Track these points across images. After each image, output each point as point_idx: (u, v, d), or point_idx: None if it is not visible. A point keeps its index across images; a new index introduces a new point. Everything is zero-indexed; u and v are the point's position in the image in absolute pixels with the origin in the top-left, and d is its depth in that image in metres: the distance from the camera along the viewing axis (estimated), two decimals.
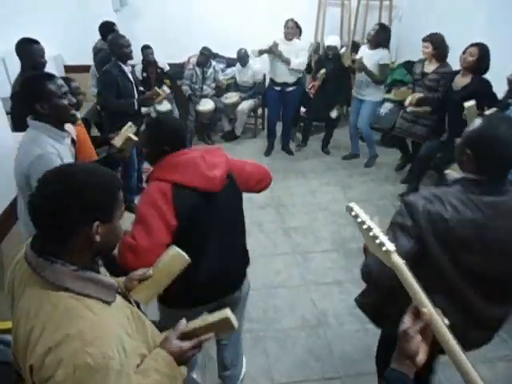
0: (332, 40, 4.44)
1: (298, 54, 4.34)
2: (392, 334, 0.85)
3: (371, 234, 0.84)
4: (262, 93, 5.22)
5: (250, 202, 3.89)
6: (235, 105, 5.09)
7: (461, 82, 3.15)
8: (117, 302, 1.01)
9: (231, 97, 5.12)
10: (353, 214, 0.90)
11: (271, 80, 4.59)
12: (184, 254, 1.26)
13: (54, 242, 0.91)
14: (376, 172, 4.50)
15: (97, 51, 4.16)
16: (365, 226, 0.86)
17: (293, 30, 4.27)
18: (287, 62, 4.30)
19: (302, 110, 5.16)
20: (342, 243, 3.34)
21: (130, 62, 3.55)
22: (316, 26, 5.68)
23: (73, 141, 1.96)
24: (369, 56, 4.06)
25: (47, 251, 0.90)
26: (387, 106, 4.84)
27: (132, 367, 0.95)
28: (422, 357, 0.79)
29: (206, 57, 4.85)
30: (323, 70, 4.43)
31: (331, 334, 2.52)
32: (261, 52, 4.34)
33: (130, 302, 1.15)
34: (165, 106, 4.75)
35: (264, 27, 4.97)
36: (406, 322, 0.80)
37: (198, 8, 5.32)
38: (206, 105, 4.95)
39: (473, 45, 3.02)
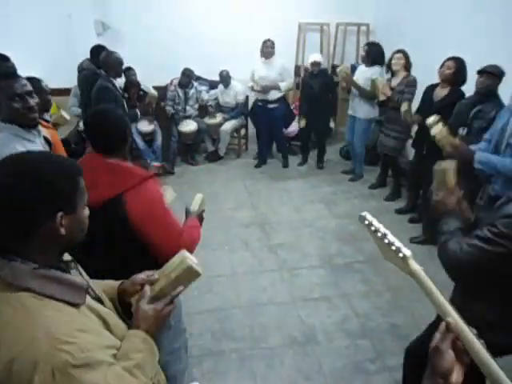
0: (316, 57, 4.58)
1: (283, 75, 4.55)
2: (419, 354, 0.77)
3: (386, 241, 0.81)
4: (244, 113, 5.28)
5: (234, 220, 3.86)
6: (218, 125, 5.10)
7: (440, 93, 3.30)
8: (89, 304, 0.92)
9: (214, 117, 5.13)
10: (366, 222, 0.87)
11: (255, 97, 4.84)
12: (198, 267, 1.12)
13: (13, 240, 0.81)
14: (360, 189, 4.52)
15: (81, 70, 4.16)
16: (379, 234, 0.83)
17: (272, 49, 4.49)
18: (277, 88, 4.54)
19: (290, 130, 5.22)
20: (328, 259, 3.29)
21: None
22: (296, 49, 5.83)
23: (47, 141, 1.87)
24: (363, 73, 4.22)
25: (7, 250, 0.81)
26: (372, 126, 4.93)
27: (111, 357, 0.87)
28: (457, 377, 0.71)
29: (187, 77, 4.90)
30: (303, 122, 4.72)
31: (320, 351, 2.43)
32: (253, 89, 4.67)
33: (105, 306, 1.06)
34: (147, 127, 4.73)
35: (246, 50, 5.09)
36: (437, 336, 0.74)
37: (180, 32, 5.39)
38: (189, 125, 4.95)
39: (450, 59, 3.20)
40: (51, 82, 5.00)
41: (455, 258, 1.33)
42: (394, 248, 0.79)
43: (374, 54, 4.18)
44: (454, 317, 0.71)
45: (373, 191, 4.44)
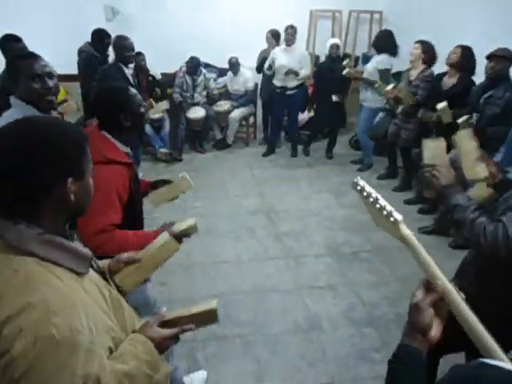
0: (335, 40, 4.55)
1: (302, 63, 4.50)
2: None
3: (378, 205, 0.79)
4: (254, 101, 5.22)
5: (241, 208, 3.83)
6: (227, 113, 5.06)
7: (448, 82, 3.22)
8: (91, 276, 0.91)
9: (223, 105, 5.09)
10: (358, 188, 0.84)
11: (273, 83, 4.74)
12: (175, 240, 1.20)
13: (21, 203, 0.79)
14: (368, 179, 4.42)
15: (80, 52, 4.15)
16: (371, 199, 0.80)
17: (293, 36, 4.42)
18: (296, 74, 4.48)
19: (302, 117, 5.16)
20: (335, 248, 3.25)
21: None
22: (307, 38, 5.74)
23: None
24: (373, 61, 4.13)
25: (13, 213, 0.78)
26: (379, 114, 4.84)
27: (104, 348, 0.83)
28: (435, 332, 0.74)
29: (192, 64, 4.85)
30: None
31: (325, 338, 2.40)
32: (269, 69, 4.59)
33: (109, 283, 1.04)
34: (156, 114, 4.70)
35: (255, 38, 5.03)
36: (417, 294, 0.76)
37: (189, 19, 5.35)
38: (197, 112, 4.92)
39: (457, 46, 3.12)
40: (61, 68, 5.03)
41: (499, 242, 1.28)
42: (385, 213, 0.77)
43: (382, 42, 4.08)
44: (442, 280, 0.73)
45: (381, 182, 4.37)
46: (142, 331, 0.98)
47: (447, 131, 2.77)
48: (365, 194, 0.82)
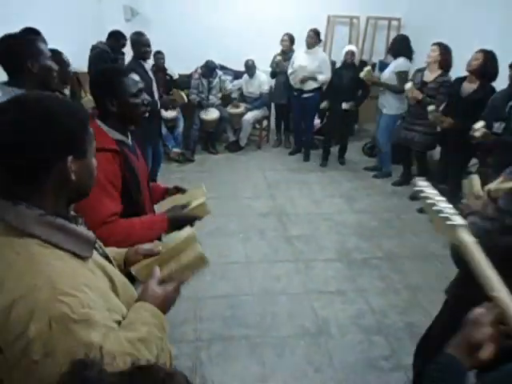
0: (352, 47, 4.54)
1: (322, 67, 4.52)
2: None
3: (436, 208, 0.76)
4: (268, 104, 5.22)
5: (251, 209, 3.81)
6: (240, 115, 5.06)
7: (468, 87, 3.15)
8: (96, 260, 0.88)
9: (237, 107, 5.10)
10: (417, 188, 0.81)
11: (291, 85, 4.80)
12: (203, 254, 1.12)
13: (20, 182, 0.76)
14: (382, 186, 4.40)
15: (93, 49, 4.21)
16: (430, 201, 0.77)
17: (313, 39, 4.47)
18: (314, 79, 4.50)
19: (316, 122, 5.16)
20: (345, 253, 3.20)
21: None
22: (324, 43, 5.72)
23: None
24: (390, 66, 4.11)
25: (13, 194, 0.76)
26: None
27: (114, 323, 0.82)
28: (486, 353, 0.66)
29: (208, 69, 4.88)
30: (324, 104, 4.59)
31: (332, 344, 2.35)
32: (302, 80, 4.59)
33: (115, 267, 1.02)
34: (170, 113, 4.74)
35: (272, 41, 5.03)
36: (479, 310, 0.69)
37: (207, 21, 5.38)
38: (211, 114, 4.93)
39: (478, 51, 3.04)
40: (79, 66, 5.11)
41: None
42: (443, 215, 0.74)
43: (398, 46, 4.05)
44: (501, 291, 0.67)
45: (396, 188, 4.31)
46: (143, 296, 0.97)
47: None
48: (424, 195, 0.79)
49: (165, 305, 0.97)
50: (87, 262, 0.84)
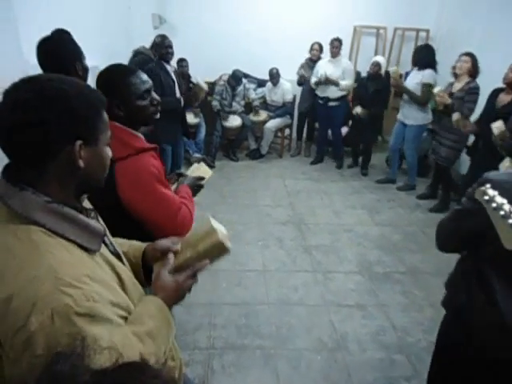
0: (379, 58, 4.49)
1: (345, 74, 4.50)
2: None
3: (510, 221, 0.69)
4: (291, 113, 5.19)
5: (270, 217, 3.75)
6: (263, 123, 5.04)
7: (504, 99, 3.03)
8: (105, 255, 0.84)
9: (259, 115, 5.08)
10: (485, 198, 0.74)
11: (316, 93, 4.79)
12: (228, 242, 1.03)
13: (28, 168, 0.73)
14: (405, 199, 4.26)
15: (136, 54, 4.24)
16: (501, 213, 0.71)
17: (337, 48, 4.46)
18: (336, 84, 4.47)
19: (344, 130, 5.11)
20: (367, 266, 3.08)
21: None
22: (350, 53, 5.67)
23: None
24: (414, 76, 4.01)
25: (20, 178, 0.73)
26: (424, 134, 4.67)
27: (120, 318, 0.77)
28: None
29: (235, 78, 4.89)
30: (359, 110, 4.48)
31: (351, 360, 2.24)
32: (317, 84, 4.58)
33: (126, 266, 0.98)
34: (193, 119, 4.76)
35: (297, 51, 5.02)
36: None
37: (232, 29, 5.43)
38: (233, 121, 4.93)
39: None
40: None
41: None
42: (510, 222, 0.66)
43: (426, 57, 3.95)
44: None
45: (420, 202, 4.16)
46: (153, 286, 0.93)
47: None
48: (494, 205, 0.71)
49: (176, 295, 0.92)
50: (95, 255, 0.79)
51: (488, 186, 0.76)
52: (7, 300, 0.65)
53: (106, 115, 0.80)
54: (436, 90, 3.60)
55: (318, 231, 3.55)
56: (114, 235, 1.03)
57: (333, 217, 3.83)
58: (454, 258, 1.54)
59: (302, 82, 4.92)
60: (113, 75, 1.35)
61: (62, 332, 0.65)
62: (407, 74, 5.37)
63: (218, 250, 1.00)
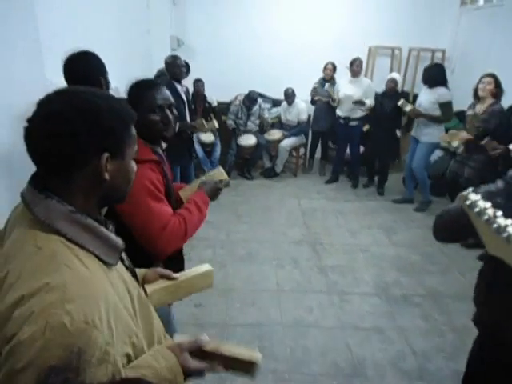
0: (394, 75, 4.51)
1: (367, 93, 4.53)
2: None
3: (495, 225, 0.66)
4: (305, 132, 5.20)
5: (285, 236, 3.71)
6: (277, 142, 5.06)
7: None
8: (120, 271, 0.83)
9: (274, 133, 5.11)
10: (468, 202, 0.72)
11: (337, 113, 4.84)
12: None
13: (55, 177, 0.73)
14: (422, 219, 4.16)
15: (159, 74, 4.33)
16: (485, 217, 0.68)
17: (358, 68, 4.51)
18: (362, 103, 4.51)
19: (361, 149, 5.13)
20: (384, 288, 2.99)
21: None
22: (365, 73, 5.69)
23: None
24: (427, 96, 3.98)
25: (47, 186, 0.74)
26: (437, 153, 4.60)
27: (121, 354, 0.72)
28: None
29: (250, 99, 4.96)
30: (367, 127, 4.49)
31: None
32: (355, 103, 4.58)
33: (139, 284, 0.96)
34: (208, 138, 4.81)
35: (311, 71, 5.07)
36: None
37: (248, 50, 5.54)
38: (248, 140, 4.96)
39: None
40: (126, 92, 5.35)
41: None
42: (505, 235, 0.62)
43: (433, 75, 3.93)
44: None
45: None
46: (171, 350, 0.87)
47: None
48: (477, 210, 0.68)
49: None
50: (111, 270, 0.78)
51: (470, 190, 0.73)
52: (15, 304, 0.64)
53: (134, 130, 0.81)
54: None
55: (333, 251, 3.49)
56: None
57: (348, 237, 3.76)
58: (475, 280, 1.47)
59: (316, 100, 4.96)
60: (135, 86, 1.42)
61: (48, 350, 0.61)
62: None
63: (248, 369, 0.94)
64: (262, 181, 5.15)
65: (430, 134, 4.02)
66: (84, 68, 1.77)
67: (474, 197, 0.72)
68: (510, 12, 4.33)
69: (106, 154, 0.74)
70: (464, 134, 3.55)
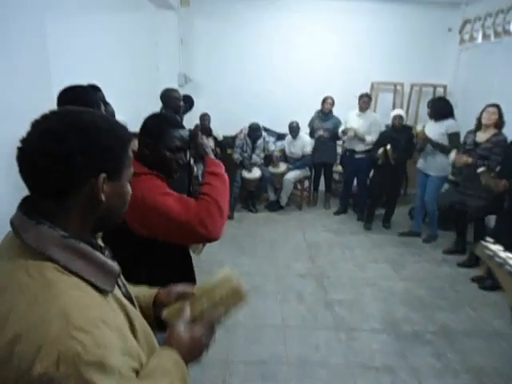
0: (399, 111, 4.55)
1: (372, 127, 4.63)
2: None
3: (508, 268, 0.65)
4: (309, 165, 5.23)
5: (290, 270, 3.64)
6: (282, 174, 5.08)
7: None
8: (117, 297, 0.79)
9: (279, 166, 5.14)
10: (487, 253, 0.69)
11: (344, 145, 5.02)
12: (244, 290, 0.99)
13: (48, 200, 0.70)
14: (430, 252, 4.08)
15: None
16: (508, 268, 0.66)
17: (366, 103, 4.64)
18: (362, 139, 4.62)
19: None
20: (393, 324, 2.88)
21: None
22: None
23: None
24: (434, 129, 4.00)
25: (38, 211, 0.70)
26: (444, 185, 4.58)
27: (130, 369, 0.70)
28: None
29: (252, 130, 5.04)
30: (381, 150, 4.44)
31: None
32: (343, 132, 4.74)
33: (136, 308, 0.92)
34: None
35: (314, 105, 5.17)
36: None
37: (253, 86, 5.70)
38: (253, 173, 4.99)
39: None
40: (135, 127, 5.49)
41: None
42: None
43: (441, 108, 3.99)
44: None
45: (446, 256, 3.97)
46: (168, 339, 0.87)
47: None
48: (498, 260, 0.66)
49: (193, 350, 0.86)
50: (107, 297, 0.75)
51: (489, 239, 0.70)
52: (13, 341, 0.60)
53: (131, 152, 0.80)
54: (451, 156, 3.78)
55: (339, 285, 3.40)
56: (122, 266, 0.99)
57: (355, 270, 3.68)
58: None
59: (314, 132, 5.05)
60: (161, 120, 1.43)
61: (70, 375, 0.59)
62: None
63: (235, 297, 0.96)
64: (267, 214, 5.12)
65: (439, 168, 4.03)
66: (83, 98, 1.80)
67: (494, 247, 0.69)
68: (508, 48, 4.44)
69: (103, 175, 0.72)
70: (467, 159, 3.52)
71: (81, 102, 1.76)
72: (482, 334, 2.78)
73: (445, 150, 3.92)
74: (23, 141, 0.69)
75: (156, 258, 1.37)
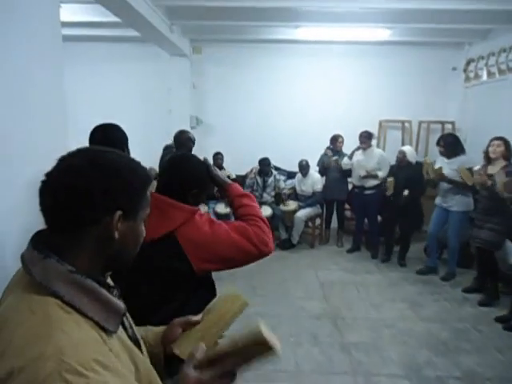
0: (404, 147, 4.61)
1: (381, 163, 4.66)
2: None
3: None
4: (320, 202, 5.21)
5: (303, 311, 3.52)
6: (293, 212, 5.05)
7: None
8: (122, 339, 0.76)
9: (289, 204, 5.13)
10: None
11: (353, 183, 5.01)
12: (274, 343, 0.84)
13: (60, 234, 0.71)
14: (450, 291, 3.92)
15: (166, 148, 4.53)
16: None
17: (365, 143, 4.68)
18: (375, 176, 4.65)
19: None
20: (415, 369, 2.71)
21: None
22: (377, 145, 5.82)
23: None
24: (449, 165, 3.99)
25: (49, 246, 0.70)
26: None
27: None
28: None
29: (262, 166, 5.11)
30: (391, 179, 4.44)
31: None
32: (363, 176, 4.72)
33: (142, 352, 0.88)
34: (223, 209, 4.86)
35: (323, 143, 5.24)
36: None
37: (263, 127, 5.83)
38: (264, 211, 4.96)
39: None
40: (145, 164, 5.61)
41: None
42: None
43: (453, 145, 4.01)
44: None
45: (466, 295, 3.81)
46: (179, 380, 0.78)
47: None
48: None
49: None
50: (111, 338, 0.72)
51: None
52: (10, 373, 0.58)
53: (149, 193, 0.81)
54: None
55: (355, 327, 3.25)
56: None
57: (371, 311, 3.54)
58: None
59: (326, 168, 5.08)
60: (202, 168, 1.44)
61: None
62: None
63: (261, 350, 0.83)
64: (279, 252, 5.04)
65: (459, 204, 3.97)
66: (109, 137, 1.88)
67: None
68: None
69: (119, 212, 0.72)
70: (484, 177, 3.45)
71: (119, 140, 1.85)
72: (511, 379, 2.59)
73: (460, 185, 3.88)
74: (47, 174, 0.71)
75: (202, 291, 1.39)
